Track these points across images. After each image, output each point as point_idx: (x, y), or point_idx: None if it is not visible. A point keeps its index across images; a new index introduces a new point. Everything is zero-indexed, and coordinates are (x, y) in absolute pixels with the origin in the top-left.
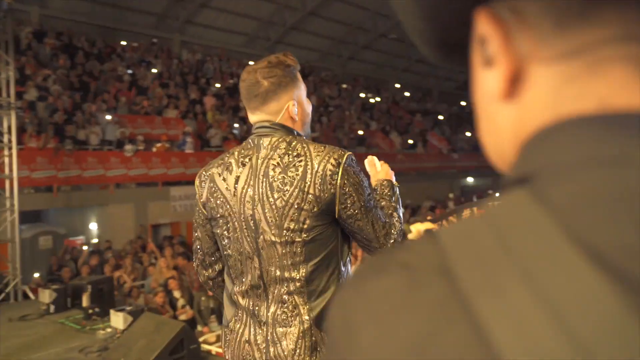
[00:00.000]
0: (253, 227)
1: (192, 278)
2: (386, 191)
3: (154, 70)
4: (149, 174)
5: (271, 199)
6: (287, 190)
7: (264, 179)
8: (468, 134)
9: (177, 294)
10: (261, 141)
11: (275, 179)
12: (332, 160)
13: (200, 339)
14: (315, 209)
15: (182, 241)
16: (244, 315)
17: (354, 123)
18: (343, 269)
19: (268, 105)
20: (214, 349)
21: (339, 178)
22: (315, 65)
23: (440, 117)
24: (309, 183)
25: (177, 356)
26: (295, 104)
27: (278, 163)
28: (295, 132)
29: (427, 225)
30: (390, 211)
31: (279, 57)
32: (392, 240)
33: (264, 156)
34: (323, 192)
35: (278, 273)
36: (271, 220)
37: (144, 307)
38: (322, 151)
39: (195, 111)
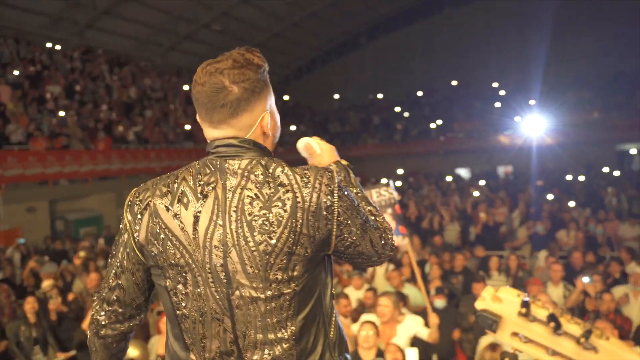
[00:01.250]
0: (224, 281)
1: (1, 303)
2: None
3: None
4: None
5: (251, 244)
6: (273, 231)
7: (240, 217)
8: (293, 127)
9: None
10: (226, 165)
11: (256, 217)
12: (324, 188)
13: None
14: (308, 252)
15: None
16: None
17: (179, 117)
18: (327, 310)
19: (239, 119)
20: None
21: (335, 209)
22: (132, 54)
23: None
24: (301, 221)
25: None
26: (269, 115)
27: (256, 195)
28: (268, 151)
29: (507, 291)
30: (368, 207)
31: (244, 55)
32: (390, 247)
33: (235, 185)
34: (318, 231)
35: (260, 336)
36: (252, 271)
37: None
38: (310, 176)
39: None
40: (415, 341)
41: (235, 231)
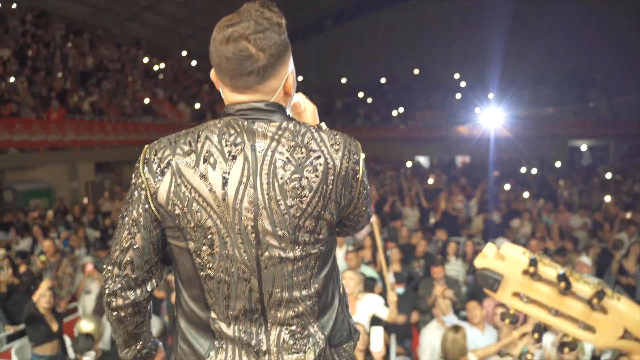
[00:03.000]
0: (254, 242)
1: None
2: None
3: None
4: None
5: (282, 207)
6: (305, 195)
7: (271, 180)
8: None
9: None
10: (254, 126)
11: (288, 181)
12: (352, 157)
13: None
14: (334, 217)
15: None
16: (230, 346)
17: (138, 90)
18: (337, 268)
19: (265, 84)
20: None
21: (360, 178)
22: (88, 21)
23: None
24: (331, 186)
25: None
26: (292, 75)
27: (288, 159)
28: (288, 113)
29: (511, 248)
30: None
31: (263, 13)
32: (369, 219)
33: (265, 148)
34: (344, 197)
35: (285, 294)
36: (282, 233)
37: None
38: (339, 143)
39: None
40: (374, 321)
41: (267, 194)
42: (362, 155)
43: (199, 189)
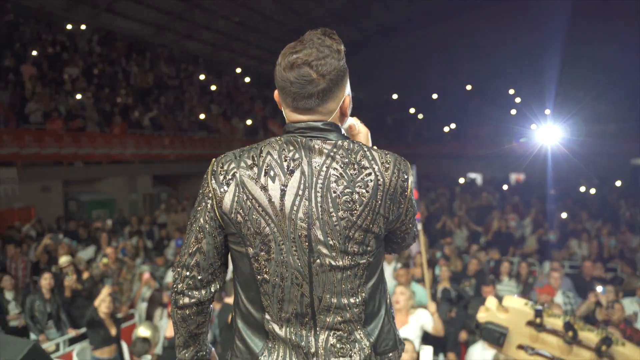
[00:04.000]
0: (307, 250)
1: (20, 273)
2: None
3: None
4: None
5: (334, 219)
6: (355, 209)
7: (325, 193)
8: None
9: (9, 295)
10: (312, 143)
11: (340, 195)
12: (401, 175)
13: None
14: (382, 231)
15: None
16: (281, 347)
17: (194, 106)
18: (385, 279)
19: (326, 106)
20: None
21: (408, 195)
22: (149, 40)
23: None
24: (380, 202)
25: None
26: (349, 97)
27: (341, 174)
28: (343, 132)
29: (514, 300)
30: None
31: (324, 41)
32: (415, 237)
33: (321, 163)
34: (392, 213)
35: (334, 300)
36: (333, 243)
37: None
38: (390, 162)
39: (7, 80)
40: (425, 339)
41: (321, 206)
42: (412, 175)
43: (260, 199)
